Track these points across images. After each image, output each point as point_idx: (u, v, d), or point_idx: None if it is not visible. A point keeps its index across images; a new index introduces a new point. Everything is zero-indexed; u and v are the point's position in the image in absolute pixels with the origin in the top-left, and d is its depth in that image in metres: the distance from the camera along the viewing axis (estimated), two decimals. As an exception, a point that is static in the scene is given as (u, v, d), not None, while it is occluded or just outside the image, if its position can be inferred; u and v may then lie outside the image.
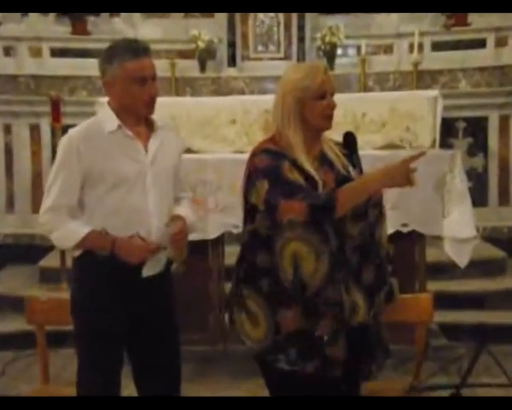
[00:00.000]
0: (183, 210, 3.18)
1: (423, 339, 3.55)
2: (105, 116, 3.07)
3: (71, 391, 3.42)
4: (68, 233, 3.02)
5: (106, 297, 3.02)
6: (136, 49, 3.02)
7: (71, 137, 3.04)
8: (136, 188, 3.02)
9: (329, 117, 2.78)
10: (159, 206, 3.06)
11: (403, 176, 2.64)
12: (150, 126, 3.10)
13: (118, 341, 3.08)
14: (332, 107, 2.77)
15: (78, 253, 3.07)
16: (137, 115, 3.06)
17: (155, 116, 3.13)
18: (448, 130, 6.97)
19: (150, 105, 3.05)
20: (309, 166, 2.73)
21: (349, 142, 2.83)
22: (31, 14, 7.60)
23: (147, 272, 3.05)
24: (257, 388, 2.92)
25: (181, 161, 3.26)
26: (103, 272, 3.01)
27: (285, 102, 2.78)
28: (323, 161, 2.80)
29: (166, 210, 3.10)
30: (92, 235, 2.99)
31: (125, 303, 3.04)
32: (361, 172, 2.84)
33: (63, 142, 3.07)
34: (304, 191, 2.67)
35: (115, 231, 2.99)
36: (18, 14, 7.56)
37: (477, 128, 7.25)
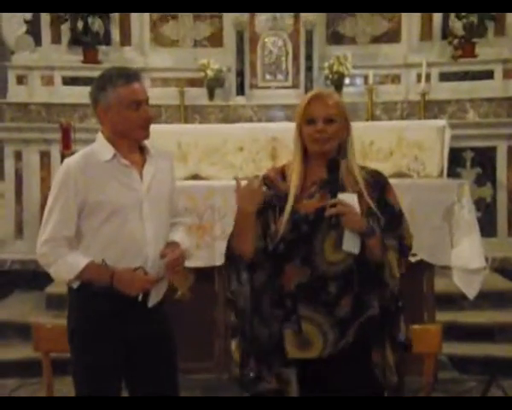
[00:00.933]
0: (179, 236, 3.19)
1: (432, 371, 3.51)
2: (100, 146, 3.08)
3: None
4: (67, 266, 3.01)
5: (103, 327, 3.02)
6: (128, 74, 3.05)
7: (68, 168, 3.04)
8: (133, 216, 3.02)
9: (317, 140, 2.77)
10: (156, 234, 3.06)
11: (243, 198, 2.72)
12: (144, 153, 3.11)
13: (115, 369, 3.07)
14: (319, 131, 2.76)
15: (76, 284, 3.05)
16: (133, 140, 3.06)
17: (156, 145, 3.15)
18: (456, 160, 6.95)
19: (146, 128, 3.06)
20: (291, 198, 2.75)
21: (331, 169, 2.77)
22: (44, 44, 7.65)
23: (152, 301, 3.06)
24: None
25: (175, 186, 3.26)
26: (101, 302, 3.00)
27: (295, 130, 2.86)
28: (322, 188, 2.78)
29: (163, 237, 3.11)
30: (91, 267, 2.99)
31: (123, 332, 3.03)
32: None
33: (60, 172, 3.07)
34: None
35: (112, 261, 2.99)
36: (31, 44, 7.61)
37: (485, 158, 7.23)
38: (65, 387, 4.19)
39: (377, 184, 2.84)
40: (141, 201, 3.04)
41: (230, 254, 2.83)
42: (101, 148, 3.06)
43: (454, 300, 5.67)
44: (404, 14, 7.71)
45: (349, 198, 2.70)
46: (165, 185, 3.15)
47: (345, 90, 7.61)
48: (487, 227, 6.55)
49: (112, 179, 3.01)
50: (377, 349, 2.75)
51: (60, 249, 3.00)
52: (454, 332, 5.07)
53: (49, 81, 7.60)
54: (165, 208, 3.14)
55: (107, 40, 7.72)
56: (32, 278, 6.71)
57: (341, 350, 2.72)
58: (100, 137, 3.09)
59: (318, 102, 2.80)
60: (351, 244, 2.69)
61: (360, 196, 2.74)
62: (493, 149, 7.23)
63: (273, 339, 2.75)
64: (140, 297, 3.02)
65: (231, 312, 2.89)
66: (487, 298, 5.84)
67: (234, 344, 2.90)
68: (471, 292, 5.01)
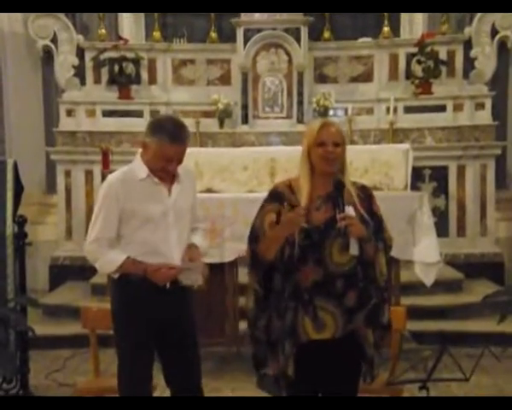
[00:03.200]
0: (197, 239, 3.18)
1: (398, 343, 3.56)
2: (137, 165, 3.06)
3: (116, 382, 3.43)
4: (109, 261, 3.02)
5: (138, 309, 3.02)
6: (175, 137, 2.96)
7: (110, 182, 3.04)
8: (161, 224, 3.02)
9: (327, 160, 2.73)
10: (179, 238, 3.06)
11: (290, 224, 2.64)
12: (173, 174, 3.08)
13: (148, 345, 3.06)
14: (329, 152, 2.72)
15: (116, 275, 3.07)
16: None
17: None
18: (417, 176, 6.95)
19: (168, 175, 3.05)
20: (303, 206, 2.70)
21: (337, 187, 2.74)
22: (87, 84, 7.67)
23: (184, 282, 3.08)
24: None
25: (196, 199, 3.24)
26: (136, 290, 3.01)
27: (302, 150, 2.81)
28: (327, 201, 2.74)
29: (185, 240, 3.10)
30: (128, 262, 3.00)
31: (154, 314, 3.03)
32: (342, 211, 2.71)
33: (104, 185, 3.07)
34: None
35: (144, 258, 3.00)
36: (78, 84, 7.63)
37: (440, 175, 7.22)
38: (107, 357, 4.24)
39: (366, 196, 2.82)
40: (168, 212, 3.03)
41: (255, 257, 2.76)
42: (138, 168, 3.04)
43: (415, 287, 5.66)
44: (375, 60, 7.71)
45: (350, 210, 2.68)
46: (188, 199, 3.14)
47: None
48: (441, 230, 6.51)
49: (145, 194, 3.00)
50: (363, 331, 2.74)
51: (103, 248, 3.01)
52: (415, 312, 5.08)
53: (91, 114, 7.58)
54: (187, 218, 3.12)
55: (137, 80, 7.67)
56: (80, 270, 6.74)
57: (347, 333, 2.72)
58: (138, 158, 3.07)
59: (327, 128, 2.76)
60: (354, 248, 2.67)
61: (355, 207, 2.72)
62: (446, 168, 7.22)
63: (286, 327, 2.71)
64: (168, 285, 3.02)
65: (252, 300, 2.80)
66: (441, 285, 5.85)
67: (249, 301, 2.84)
68: (428, 281, 5.05)
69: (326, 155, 2.72)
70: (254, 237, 2.76)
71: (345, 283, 2.71)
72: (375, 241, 2.73)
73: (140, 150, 3.09)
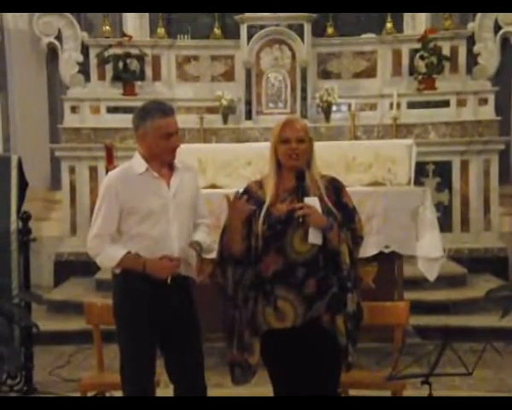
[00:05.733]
0: (201, 235, 3.17)
1: (400, 338, 3.55)
2: (136, 161, 3.08)
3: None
4: (109, 256, 3.04)
5: (140, 304, 3.02)
6: (164, 109, 3.03)
7: (110, 179, 3.07)
8: (161, 218, 3.02)
9: (291, 157, 2.82)
10: (180, 232, 3.05)
11: (236, 212, 2.78)
12: (172, 168, 3.10)
13: (151, 340, 3.06)
14: (293, 149, 2.81)
15: (117, 271, 3.08)
16: (162, 161, 3.07)
17: (182, 159, 3.15)
18: (420, 171, 6.94)
19: (173, 154, 3.07)
20: (266, 204, 2.80)
21: (298, 178, 2.81)
22: (92, 80, 7.69)
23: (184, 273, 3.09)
24: (266, 376, 2.92)
25: (199, 194, 3.23)
26: (138, 285, 3.01)
27: (270, 147, 2.90)
28: (292, 194, 2.82)
29: (186, 235, 3.09)
30: (127, 257, 3.01)
31: (155, 308, 3.03)
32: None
33: (104, 182, 3.10)
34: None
35: (146, 253, 3.00)
36: (82, 81, 7.65)
37: (443, 170, 7.23)
38: (111, 352, 4.23)
39: (334, 188, 2.88)
40: (167, 206, 3.03)
41: (221, 253, 2.86)
42: (137, 163, 3.06)
43: (418, 282, 5.67)
44: (378, 55, 7.71)
45: (312, 201, 2.76)
46: (189, 193, 3.12)
47: (332, 115, 7.60)
48: (445, 225, 6.53)
49: (144, 188, 3.01)
50: (329, 319, 2.75)
51: (104, 243, 3.03)
52: (418, 307, 5.09)
53: (96, 110, 7.61)
54: (188, 212, 3.11)
55: (142, 77, 7.71)
56: (84, 266, 6.72)
57: (308, 321, 2.75)
58: (136, 154, 3.09)
59: (290, 126, 2.85)
60: (315, 237, 2.73)
61: (321, 199, 2.79)
62: (449, 163, 7.23)
63: (245, 316, 2.78)
64: (169, 280, 3.01)
65: (223, 298, 2.91)
66: (444, 280, 5.85)
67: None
68: (432, 276, 5.02)
69: (290, 152, 2.81)
70: (222, 231, 2.86)
71: (305, 271, 2.75)
72: (341, 231, 2.77)
73: (136, 149, 3.11)
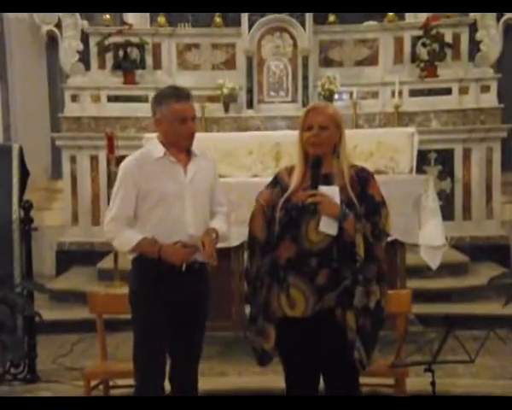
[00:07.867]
0: (217, 222, 3.16)
1: (403, 326, 3.58)
2: (154, 146, 3.10)
3: (123, 366, 3.46)
4: (125, 240, 3.06)
5: (154, 289, 3.02)
6: (180, 94, 3.05)
7: (128, 163, 3.08)
8: (177, 203, 3.02)
9: (313, 144, 2.77)
10: (195, 218, 3.06)
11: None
12: (189, 155, 3.11)
13: (163, 321, 3.05)
14: (315, 135, 2.76)
15: (133, 256, 3.09)
16: (180, 147, 3.08)
17: (194, 147, 3.14)
18: (422, 159, 6.93)
19: (189, 139, 3.08)
20: (289, 191, 2.78)
21: (313, 166, 2.77)
22: (92, 69, 7.67)
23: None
24: (270, 366, 2.93)
25: (217, 182, 3.23)
26: (153, 270, 3.02)
27: (298, 135, 2.86)
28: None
29: (202, 221, 3.09)
30: (143, 242, 3.01)
31: (168, 293, 3.03)
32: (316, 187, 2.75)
33: (122, 167, 3.10)
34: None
35: (161, 237, 3.00)
36: (83, 69, 7.64)
37: (445, 158, 7.22)
38: (114, 341, 4.29)
39: (361, 178, 2.80)
40: (183, 191, 3.03)
41: (250, 237, 2.86)
42: (155, 148, 3.07)
43: (421, 270, 5.66)
44: (380, 43, 7.70)
45: (329, 190, 2.70)
46: (206, 181, 3.12)
47: (334, 104, 7.51)
48: (447, 213, 6.50)
49: (161, 173, 3.02)
50: (341, 313, 2.69)
51: (121, 227, 3.03)
52: (420, 295, 5.09)
53: (96, 99, 7.59)
54: (204, 199, 3.11)
55: (142, 65, 7.68)
56: (86, 256, 6.79)
57: (319, 313, 2.70)
58: (155, 140, 3.10)
59: (315, 112, 2.80)
60: (327, 227, 2.67)
61: (343, 189, 2.72)
62: (451, 151, 7.22)
63: (260, 302, 2.77)
64: (183, 267, 3.00)
65: (246, 281, 2.91)
66: (446, 268, 5.85)
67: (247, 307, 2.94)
68: (434, 264, 5.03)
69: (309, 139, 2.77)
70: (250, 218, 2.86)
71: (318, 261, 2.70)
72: (358, 222, 2.68)
73: (151, 135, 3.10)
